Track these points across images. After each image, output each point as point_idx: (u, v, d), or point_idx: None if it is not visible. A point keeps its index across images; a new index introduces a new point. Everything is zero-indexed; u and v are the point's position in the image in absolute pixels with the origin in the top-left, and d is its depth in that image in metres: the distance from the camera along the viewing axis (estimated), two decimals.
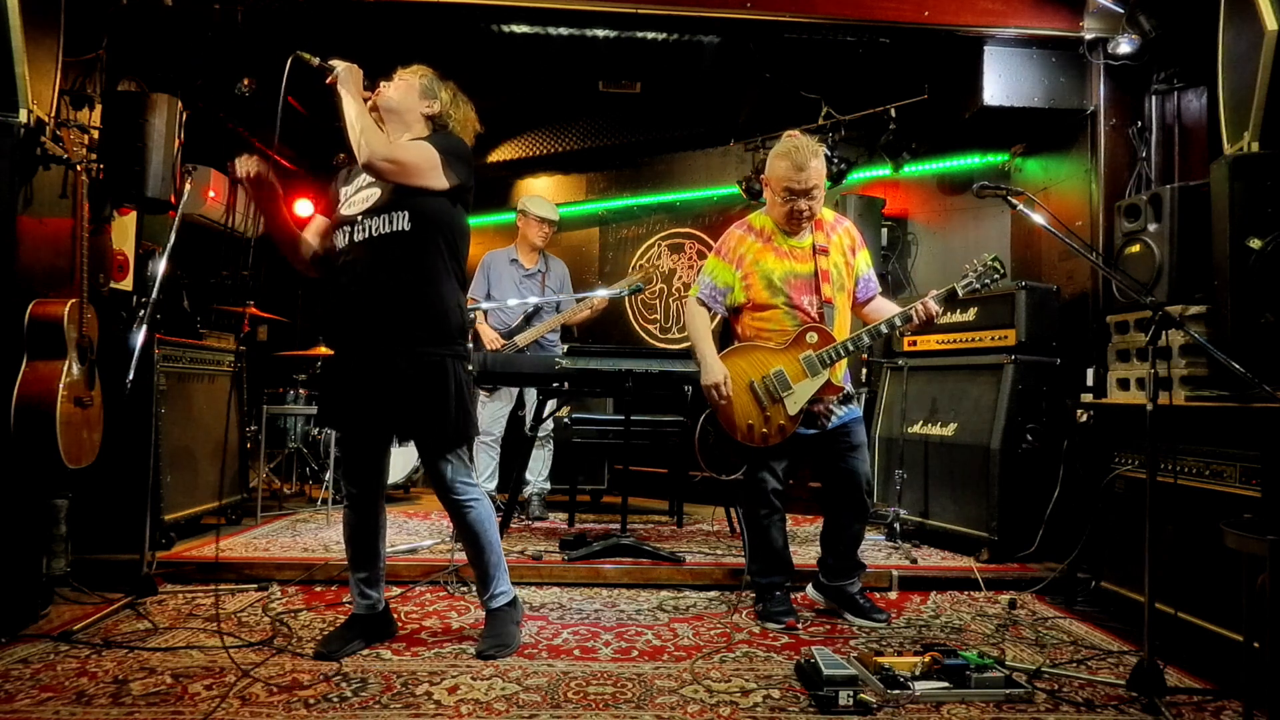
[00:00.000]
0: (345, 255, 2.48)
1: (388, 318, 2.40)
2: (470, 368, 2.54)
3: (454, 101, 2.59)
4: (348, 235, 2.48)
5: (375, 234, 2.42)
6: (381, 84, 2.54)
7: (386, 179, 2.39)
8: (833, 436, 2.89)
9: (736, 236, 2.94)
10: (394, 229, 2.41)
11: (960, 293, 2.80)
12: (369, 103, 2.48)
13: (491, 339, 4.64)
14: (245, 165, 2.42)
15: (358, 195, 2.49)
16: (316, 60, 2.42)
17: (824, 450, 2.92)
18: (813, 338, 2.80)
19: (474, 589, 2.73)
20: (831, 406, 2.86)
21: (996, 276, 2.82)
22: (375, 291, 2.40)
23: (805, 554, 3.58)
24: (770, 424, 2.82)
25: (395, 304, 2.40)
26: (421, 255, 2.42)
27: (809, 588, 3.11)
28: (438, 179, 2.41)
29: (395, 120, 2.54)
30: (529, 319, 4.74)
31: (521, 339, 4.66)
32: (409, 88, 2.54)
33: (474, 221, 2.71)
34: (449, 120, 2.57)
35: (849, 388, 2.94)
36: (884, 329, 2.81)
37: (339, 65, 2.41)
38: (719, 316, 3.07)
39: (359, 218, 2.45)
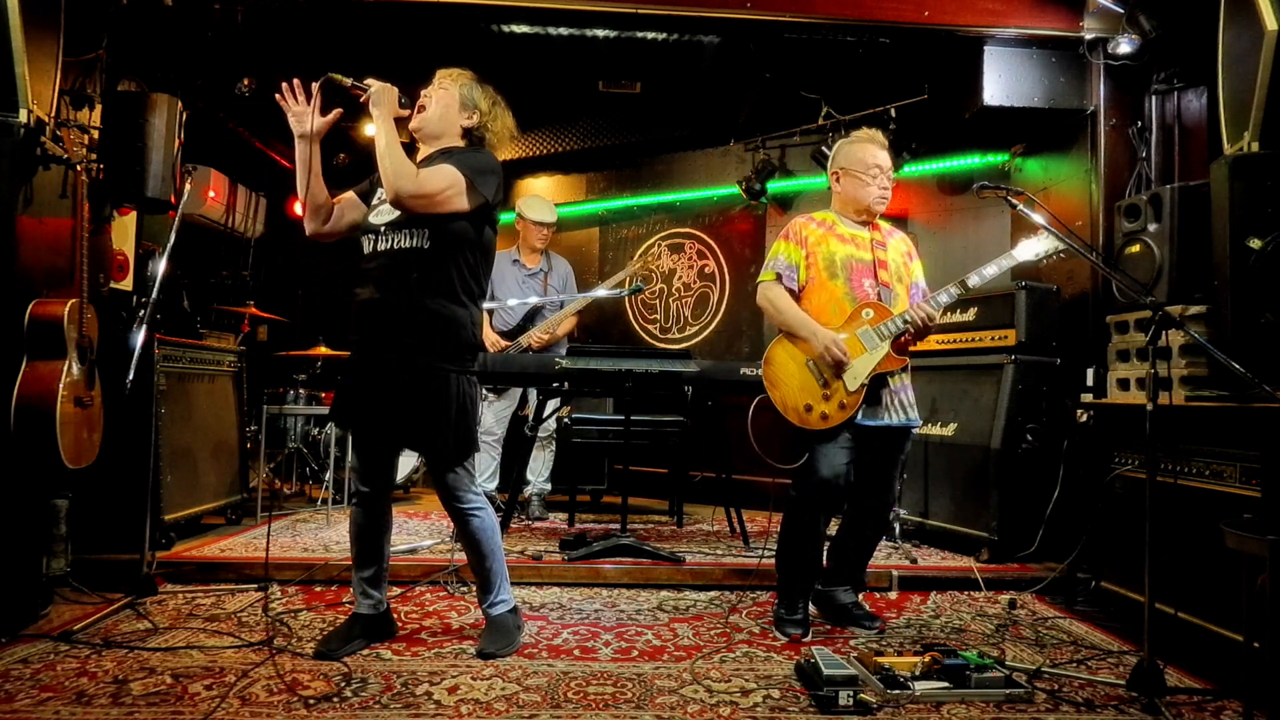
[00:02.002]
0: (368, 263, 2.50)
1: (399, 332, 2.41)
2: (476, 382, 2.55)
3: (492, 111, 2.57)
4: (372, 244, 2.49)
5: (397, 248, 2.44)
6: (421, 98, 2.53)
7: (415, 212, 2.39)
8: (888, 440, 2.85)
9: (800, 223, 2.95)
10: (414, 245, 2.42)
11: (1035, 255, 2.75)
12: (409, 121, 2.49)
13: (493, 341, 4.64)
14: (307, 121, 2.39)
15: (385, 205, 2.49)
16: (349, 81, 2.40)
17: (875, 451, 2.85)
18: (869, 313, 2.76)
19: (474, 590, 2.73)
20: (902, 397, 2.84)
21: (1058, 245, 2.69)
22: (390, 305, 2.42)
23: None
24: (830, 402, 2.74)
25: (407, 319, 2.41)
26: (439, 273, 2.43)
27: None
28: (463, 202, 2.41)
29: (431, 138, 2.54)
30: (531, 318, 4.74)
31: (524, 339, 4.66)
32: (449, 101, 2.53)
33: None
34: (486, 133, 2.56)
35: (910, 386, 2.90)
36: (955, 290, 2.76)
37: (373, 85, 2.40)
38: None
39: (383, 229, 2.47)
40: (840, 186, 2.94)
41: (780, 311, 2.85)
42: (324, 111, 2.43)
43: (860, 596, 3.05)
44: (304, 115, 2.40)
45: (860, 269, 2.83)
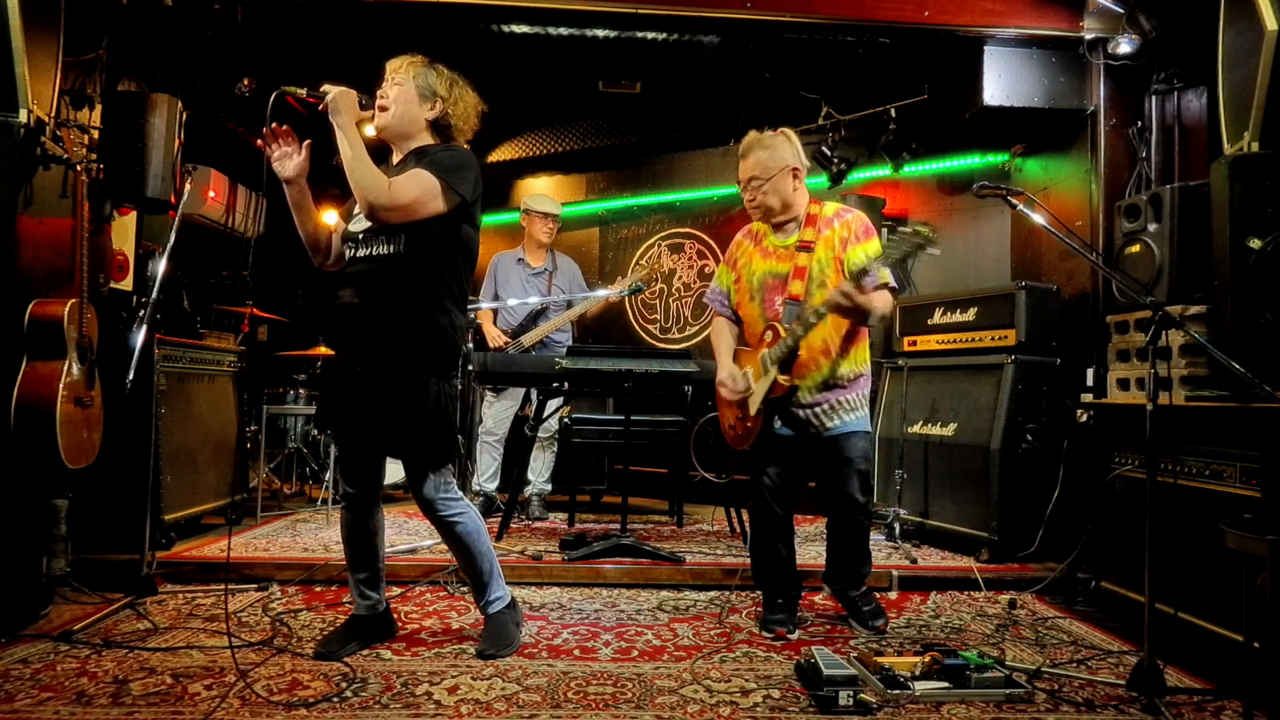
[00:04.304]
0: (348, 268, 2.49)
1: (378, 338, 2.39)
2: (458, 386, 2.52)
3: (452, 94, 2.52)
4: (352, 250, 2.48)
5: (375, 254, 2.41)
6: (379, 98, 2.47)
7: (392, 223, 2.35)
8: (824, 447, 2.81)
9: (736, 241, 2.98)
10: (392, 251, 2.39)
11: (870, 265, 2.59)
12: (372, 119, 2.46)
13: (495, 336, 4.66)
14: (284, 163, 2.37)
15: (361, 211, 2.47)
16: (304, 91, 2.33)
17: (819, 460, 2.85)
18: (769, 335, 2.77)
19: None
20: (819, 412, 2.77)
21: (917, 242, 2.54)
22: (369, 312, 2.40)
23: (804, 553, 3.58)
24: (741, 424, 2.86)
25: (386, 326, 2.38)
26: (417, 278, 2.40)
27: (826, 586, 3.07)
28: (439, 205, 2.36)
29: (399, 138, 2.51)
30: (535, 318, 4.75)
31: (527, 338, 4.67)
32: (408, 96, 2.47)
33: None
34: (451, 119, 2.52)
35: (838, 396, 2.77)
36: (811, 319, 2.65)
37: (330, 91, 2.31)
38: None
39: (361, 236, 2.45)
40: None
41: (713, 345, 3.00)
42: (283, 126, 2.38)
43: (872, 593, 2.98)
44: (284, 159, 2.37)
45: (773, 285, 2.80)
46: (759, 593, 3.27)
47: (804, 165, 2.87)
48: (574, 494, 4.86)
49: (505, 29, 4.01)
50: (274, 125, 2.34)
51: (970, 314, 4.10)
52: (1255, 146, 2.75)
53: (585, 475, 5.22)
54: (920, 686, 2.24)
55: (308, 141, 2.40)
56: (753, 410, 2.79)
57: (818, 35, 3.95)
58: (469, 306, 3.80)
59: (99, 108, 3.43)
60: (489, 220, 6.65)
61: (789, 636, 2.76)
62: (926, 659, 2.36)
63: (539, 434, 4.54)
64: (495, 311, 4.80)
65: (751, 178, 2.83)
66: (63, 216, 3.10)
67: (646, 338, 6.12)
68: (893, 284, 2.70)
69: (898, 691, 2.22)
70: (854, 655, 2.51)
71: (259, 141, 2.38)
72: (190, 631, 2.67)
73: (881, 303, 2.64)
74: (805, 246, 2.79)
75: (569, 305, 4.81)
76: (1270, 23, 2.70)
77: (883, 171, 5.23)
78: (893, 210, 5.27)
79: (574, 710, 2.12)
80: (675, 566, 3.46)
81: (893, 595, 3.36)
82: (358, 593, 2.58)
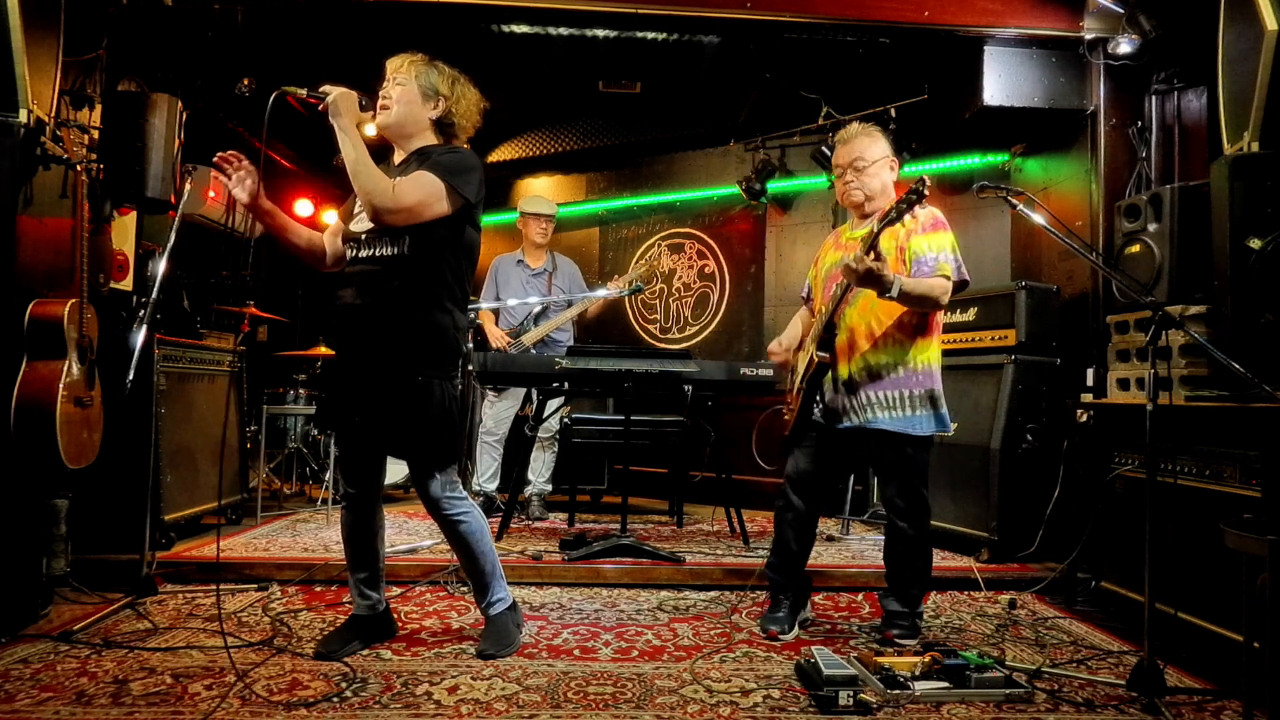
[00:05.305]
0: (350, 268, 2.48)
1: (380, 339, 2.39)
2: (459, 386, 2.52)
3: (454, 92, 2.50)
4: (354, 251, 2.47)
5: (378, 255, 2.41)
6: (381, 97, 2.46)
7: (398, 225, 2.35)
8: (860, 442, 2.75)
9: (824, 239, 3.09)
10: (395, 252, 2.39)
11: (878, 228, 2.56)
12: (373, 120, 2.45)
13: (498, 337, 4.67)
14: (239, 189, 2.36)
15: (364, 213, 2.46)
16: (304, 91, 2.32)
17: (862, 454, 2.79)
18: (817, 328, 2.83)
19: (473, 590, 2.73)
20: (856, 403, 2.71)
21: (915, 198, 2.50)
22: (371, 313, 2.39)
23: None
24: (787, 408, 2.92)
25: (388, 327, 2.38)
26: (420, 280, 2.40)
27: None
28: (443, 207, 2.36)
29: (402, 138, 2.50)
30: (536, 318, 4.76)
31: (528, 338, 4.68)
32: (410, 96, 2.45)
33: None
34: (454, 118, 2.51)
35: (879, 391, 2.68)
36: (836, 290, 2.69)
37: (331, 92, 2.29)
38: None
39: (364, 237, 2.44)
40: None
41: None
42: (229, 151, 2.38)
43: (914, 618, 2.81)
44: (240, 184, 2.35)
45: (835, 274, 2.79)
46: (758, 593, 3.27)
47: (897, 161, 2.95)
48: (574, 494, 4.86)
49: (505, 29, 4.02)
50: (223, 153, 2.35)
51: (970, 314, 4.10)
52: (1255, 146, 2.75)
53: (585, 475, 5.22)
54: (920, 686, 2.24)
55: (249, 165, 2.38)
56: (794, 389, 2.86)
57: (818, 35, 3.95)
58: (469, 306, 3.80)
59: (99, 108, 3.42)
60: (488, 220, 6.64)
61: (782, 638, 2.74)
62: (926, 659, 2.36)
63: (539, 434, 4.54)
64: (496, 312, 4.81)
65: (857, 158, 2.80)
66: (63, 216, 3.09)
67: (646, 338, 6.13)
68: (956, 278, 2.67)
69: (898, 691, 2.22)
70: (854, 655, 2.51)
71: (213, 173, 2.36)
72: (190, 631, 2.67)
73: (924, 286, 2.59)
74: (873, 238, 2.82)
75: (569, 305, 4.82)
76: (1270, 23, 2.70)
77: None
78: None
79: (574, 710, 2.12)
80: (675, 566, 3.46)
81: None
82: (357, 592, 2.58)
